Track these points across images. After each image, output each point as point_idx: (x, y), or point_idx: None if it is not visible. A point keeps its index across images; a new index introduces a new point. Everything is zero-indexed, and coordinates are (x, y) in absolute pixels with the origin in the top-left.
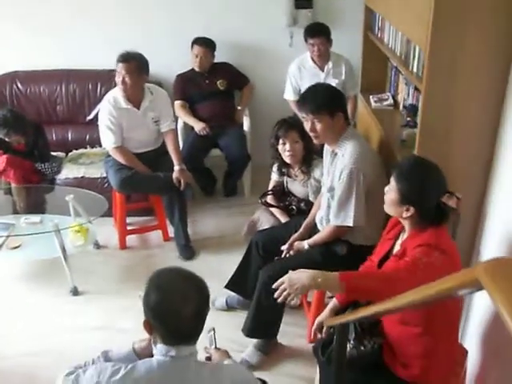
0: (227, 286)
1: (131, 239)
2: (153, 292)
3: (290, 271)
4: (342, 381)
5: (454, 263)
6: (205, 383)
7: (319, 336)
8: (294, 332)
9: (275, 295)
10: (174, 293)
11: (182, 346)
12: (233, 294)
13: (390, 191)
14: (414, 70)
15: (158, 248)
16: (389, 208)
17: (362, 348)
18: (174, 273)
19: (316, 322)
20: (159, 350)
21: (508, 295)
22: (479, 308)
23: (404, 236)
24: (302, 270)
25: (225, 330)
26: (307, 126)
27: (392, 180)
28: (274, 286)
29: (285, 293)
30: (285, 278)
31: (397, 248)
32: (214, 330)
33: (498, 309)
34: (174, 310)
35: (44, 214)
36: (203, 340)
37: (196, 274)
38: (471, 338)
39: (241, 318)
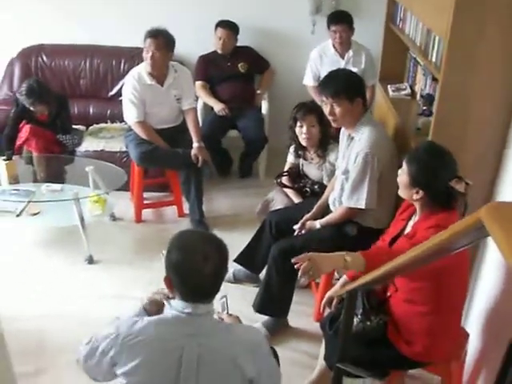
0: (236, 260)
1: (147, 213)
2: (175, 250)
3: (312, 253)
4: (347, 350)
5: None
6: (219, 336)
7: (328, 310)
8: (301, 310)
9: (300, 274)
10: (195, 252)
11: (200, 304)
12: (240, 267)
13: (402, 174)
14: (433, 59)
15: (173, 223)
16: (401, 190)
17: (368, 323)
18: (196, 233)
19: (326, 296)
20: (176, 305)
21: (507, 233)
22: (482, 294)
23: (415, 218)
24: (323, 254)
25: (232, 303)
26: (326, 109)
27: (404, 163)
28: (293, 260)
29: (311, 272)
30: (308, 257)
31: (409, 229)
32: (226, 296)
33: (497, 246)
34: (195, 268)
35: (64, 184)
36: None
37: (214, 234)
38: (473, 322)
39: (247, 291)
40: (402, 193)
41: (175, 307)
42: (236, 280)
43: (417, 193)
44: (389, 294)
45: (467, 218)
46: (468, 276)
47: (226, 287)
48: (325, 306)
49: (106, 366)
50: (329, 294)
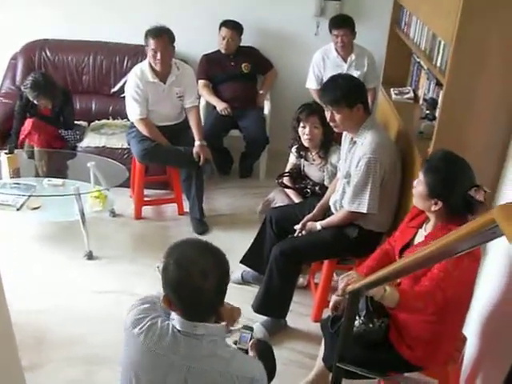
0: (242, 261)
1: (146, 210)
2: (170, 267)
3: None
4: (348, 350)
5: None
6: (212, 365)
7: (335, 313)
8: (298, 310)
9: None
10: (192, 268)
11: (198, 322)
12: (248, 268)
13: (419, 185)
14: (438, 64)
15: (172, 221)
16: (417, 201)
17: (371, 325)
18: (191, 246)
19: (332, 301)
20: (174, 320)
21: None
22: (481, 299)
23: (427, 227)
24: None
25: (235, 304)
26: (327, 115)
27: (420, 174)
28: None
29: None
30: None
31: (419, 238)
32: (252, 330)
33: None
34: (193, 286)
35: (65, 179)
36: None
37: (213, 245)
38: (471, 326)
39: (253, 292)
40: (418, 204)
41: (174, 323)
42: (244, 281)
43: (435, 204)
44: None
45: (481, 217)
46: (474, 288)
47: (229, 289)
48: (332, 309)
49: None
50: (335, 298)
